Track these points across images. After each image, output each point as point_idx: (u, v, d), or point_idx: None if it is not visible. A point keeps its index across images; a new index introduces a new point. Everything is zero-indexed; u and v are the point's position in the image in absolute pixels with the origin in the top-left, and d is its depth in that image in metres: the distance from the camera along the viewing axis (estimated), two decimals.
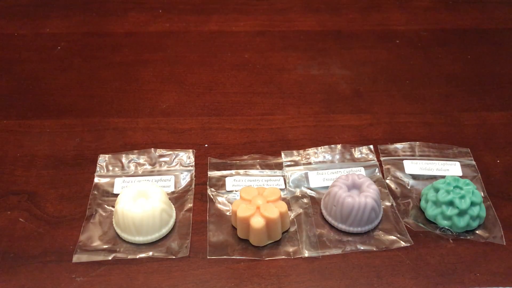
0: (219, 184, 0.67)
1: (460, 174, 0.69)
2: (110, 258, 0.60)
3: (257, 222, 0.59)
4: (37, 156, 0.70)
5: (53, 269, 0.59)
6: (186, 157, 0.70)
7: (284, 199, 0.65)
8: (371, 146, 0.72)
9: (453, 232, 0.62)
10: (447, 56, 0.88)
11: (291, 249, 0.61)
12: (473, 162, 0.70)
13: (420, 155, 0.71)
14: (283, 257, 0.60)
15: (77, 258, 0.59)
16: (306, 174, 0.68)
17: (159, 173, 0.68)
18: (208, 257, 0.60)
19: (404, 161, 0.70)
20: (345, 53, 0.89)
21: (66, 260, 0.59)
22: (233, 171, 0.68)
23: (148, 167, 0.69)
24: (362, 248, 0.61)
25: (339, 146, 0.72)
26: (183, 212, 0.64)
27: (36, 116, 0.76)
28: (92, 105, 0.78)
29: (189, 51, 0.88)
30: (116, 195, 0.65)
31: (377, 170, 0.69)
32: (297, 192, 0.66)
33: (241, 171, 0.68)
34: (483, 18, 0.97)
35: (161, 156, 0.70)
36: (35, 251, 0.60)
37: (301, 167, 0.69)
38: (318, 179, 0.68)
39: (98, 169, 0.68)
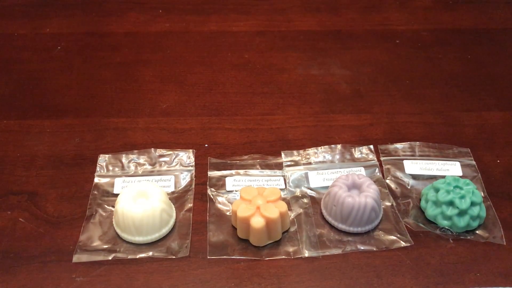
0: (219, 184, 0.67)
1: (460, 174, 0.69)
2: (110, 258, 0.60)
3: (257, 222, 0.59)
4: (37, 156, 0.70)
5: (53, 269, 0.59)
6: (186, 157, 0.70)
7: (284, 199, 0.65)
8: (371, 146, 0.72)
9: (453, 232, 0.62)
10: (447, 56, 0.88)
11: (291, 249, 0.61)
12: (473, 162, 0.70)
13: (420, 155, 0.71)
14: (283, 257, 0.60)
15: (77, 258, 0.59)
16: (306, 174, 0.68)
17: (159, 173, 0.68)
18: (208, 257, 0.60)
19: (404, 161, 0.70)
20: (345, 53, 0.89)
21: (66, 260, 0.59)
22: (233, 171, 0.68)
23: (148, 167, 0.69)
24: (362, 248, 0.61)
25: (339, 146, 0.72)
26: (183, 212, 0.64)
27: (36, 116, 0.76)
28: (92, 105, 0.78)
29: (189, 51, 0.88)
30: (116, 195, 0.65)
31: (377, 170, 0.69)
32: (297, 192, 0.66)
33: (241, 171, 0.68)
34: (483, 18, 0.97)
35: (161, 156, 0.70)
36: (35, 251, 0.60)
37: (301, 167, 0.69)
38: (318, 179, 0.68)
39: (98, 169, 0.68)
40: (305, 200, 0.66)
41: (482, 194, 0.66)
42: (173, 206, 0.64)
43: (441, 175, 0.68)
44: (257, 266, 0.59)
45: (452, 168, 0.69)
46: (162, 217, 0.61)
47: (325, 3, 0.99)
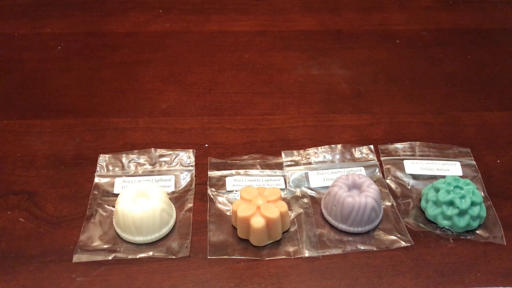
0: (219, 184, 0.67)
1: (461, 174, 0.69)
2: (110, 258, 0.60)
3: (258, 222, 0.59)
4: (37, 156, 0.70)
5: (53, 269, 0.59)
6: (186, 157, 0.70)
7: (284, 199, 0.65)
8: (371, 146, 0.72)
9: (454, 232, 0.62)
10: (447, 56, 0.88)
11: (291, 249, 0.61)
12: (474, 162, 0.70)
13: (421, 155, 0.71)
14: (284, 257, 0.60)
15: (77, 258, 0.59)
16: (306, 174, 0.68)
17: (159, 173, 0.68)
18: (208, 257, 0.60)
19: (405, 161, 0.70)
20: (345, 53, 0.89)
21: (66, 260, 0.59)
22: (233, 171, 0.68)
23: (148, 167, 0.69)
24: (362, 248, 0.61)
25: (339, 146, 0.72)
26: (183, 212, 0.64)
27: (36, 116, 0.76)
28: (92, 105, 0.78)
29: (189, 51, 0.88)
30: (116, 195, 0.65)
31: (377, 170, 0.69)
32: (298, 192, 0.66)
33: (241, 171, 0.68)
34: (483, 18, 0.97)
35: (161, 156, 0.70)
36: (35, 251, 0.60)
37: (301, 167, 0.69)
38: (319, 179, 0.68)
39: (98, 169, 0.68)
40: (305, 200, 0.66)
41: (482, 194, 0.66)
42: (173, 206, 0.64)
43: (441, 175, 0.68)
44: (257, 266, 0.59)
45: (452, 168, 0.69)
46: (162, 217, 0.61)
47: (325, 3, 0.99)
